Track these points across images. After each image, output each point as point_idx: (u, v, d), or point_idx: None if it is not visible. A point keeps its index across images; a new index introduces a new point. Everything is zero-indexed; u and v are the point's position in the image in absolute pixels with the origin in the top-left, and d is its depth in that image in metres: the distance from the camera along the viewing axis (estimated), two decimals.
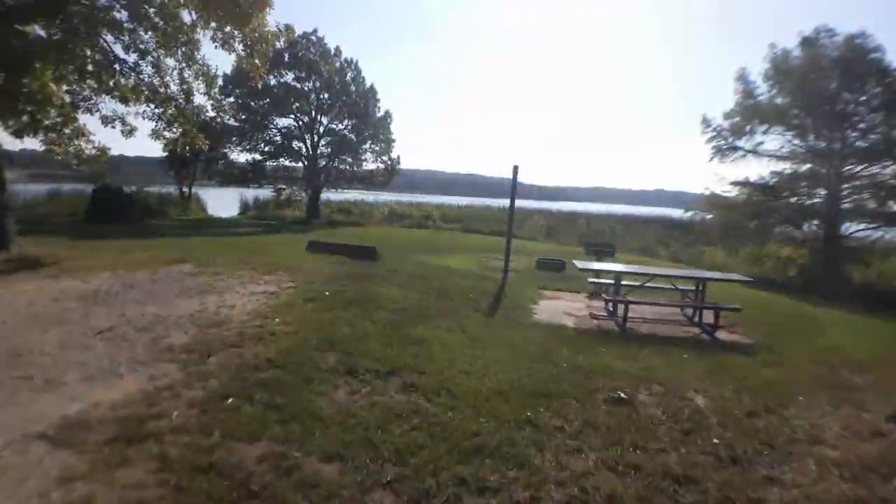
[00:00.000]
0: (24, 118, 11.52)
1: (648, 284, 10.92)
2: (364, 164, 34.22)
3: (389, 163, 33.79)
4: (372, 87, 33.06)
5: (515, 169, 13.00)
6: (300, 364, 5.64)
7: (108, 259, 11.42)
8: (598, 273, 10.95)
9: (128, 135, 13.17)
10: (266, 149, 33.03)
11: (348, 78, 32.76)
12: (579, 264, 10.87)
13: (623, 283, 10.43)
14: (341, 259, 12.91)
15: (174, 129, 13.33)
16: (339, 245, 13.94)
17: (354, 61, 32.78)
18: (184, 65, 12.89)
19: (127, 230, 20.46)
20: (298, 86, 31.78)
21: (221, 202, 35.91)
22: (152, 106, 13.23)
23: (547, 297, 11.65)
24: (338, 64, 32.38)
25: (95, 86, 12.73)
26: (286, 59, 30.58)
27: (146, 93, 12.97)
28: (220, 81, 13.32)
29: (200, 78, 13.15)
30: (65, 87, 12.78)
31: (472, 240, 24.55)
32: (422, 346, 6.64)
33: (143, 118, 13.28)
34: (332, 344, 6.38)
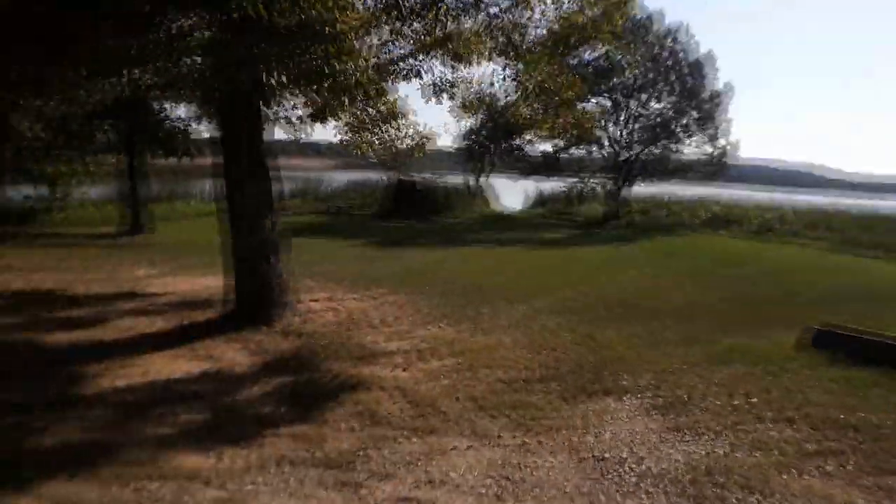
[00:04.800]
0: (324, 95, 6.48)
1: None
2: (684, 151, 25.79)
3: (725, 149, 24.77)
4: (709, 54, 24.30)
5: None
6: None
7: (444, 348, 5.63)
8: None
9: (466, 112, 7.57)
10: (560, 136, 26.58)
11: (675, 46, 24.49)
12: None
13: None
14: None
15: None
16: (879, 345, 6.17)
17: (684, 24, 24.41)
18: None
19: (421, 233, 16.08)
20: (615, 58, 24.47)
21: (503, 195, 30.96)
22: (503, 59, 7.36)
23: None
24: (657, 28, 24.27)
25: (422, 31, 7.32)
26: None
27: (500, 40, 7.19)
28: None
29: (598, 4, 6.81)
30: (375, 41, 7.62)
31: None
32: None
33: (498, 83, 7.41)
34: None
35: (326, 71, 5.06)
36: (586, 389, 4.97)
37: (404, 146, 8.12)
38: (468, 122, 23.77)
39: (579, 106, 7.45)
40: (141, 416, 4.06)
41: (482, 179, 28.91)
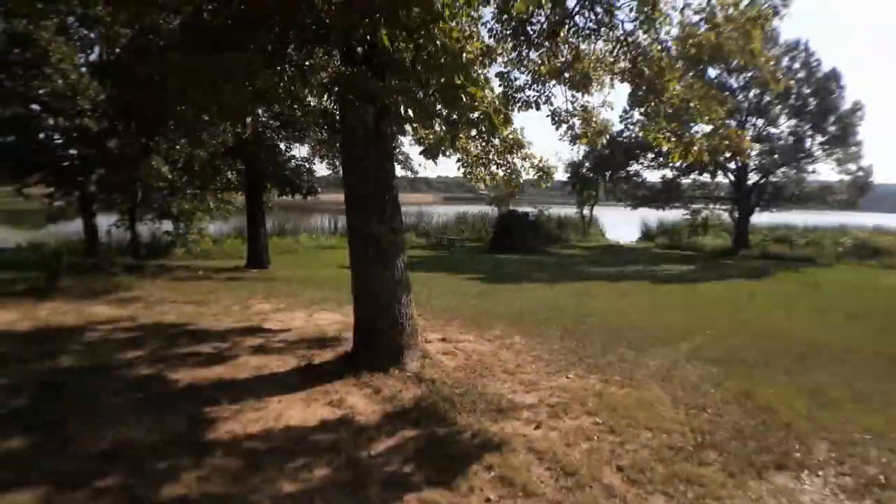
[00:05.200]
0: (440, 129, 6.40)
1: None
2: (812, 175, 23.66)
3: (861, 174, 22.41)
4: (833, 71, 22.28)
5: None
6: None
7: None
8: None
9: (585, 142, 7.13)
10: (679, 163, 25.18)
11: (796, 65, 22.65)
12: None
13: None
14: None
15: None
16: None
17: (804, 42, 22.54)
18: None
19: (535, 266, 15.58)
20: (726, 81, 23.05)
21: (613, 226, 29.77)
22: (629, 83, 6.85)
23: None
24: (776, 49, 22.53)
25: (544, 59, 6.94)
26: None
27: (625, 65, 6.67)
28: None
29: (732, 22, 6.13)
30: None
31: None
32: None
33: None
34: None
35: (464, 100, 4.82)
36: (754, 462, 4.19)
37: (530, 176, 7.83)
38: (581, 152, 23.26)
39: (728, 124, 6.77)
40: (271, 468, 3.86)
41: (588, 210, 28.04)
